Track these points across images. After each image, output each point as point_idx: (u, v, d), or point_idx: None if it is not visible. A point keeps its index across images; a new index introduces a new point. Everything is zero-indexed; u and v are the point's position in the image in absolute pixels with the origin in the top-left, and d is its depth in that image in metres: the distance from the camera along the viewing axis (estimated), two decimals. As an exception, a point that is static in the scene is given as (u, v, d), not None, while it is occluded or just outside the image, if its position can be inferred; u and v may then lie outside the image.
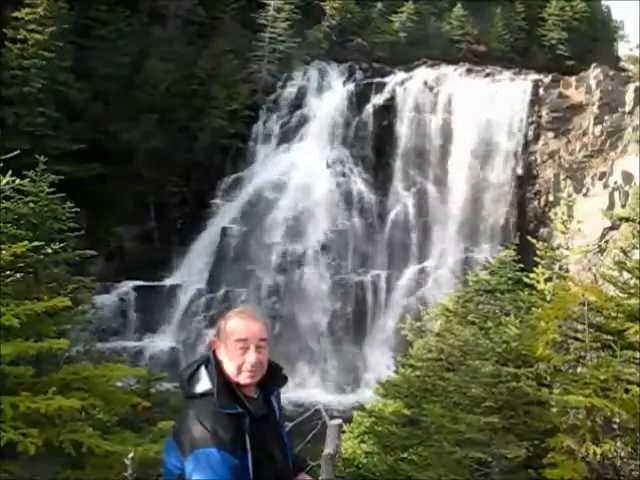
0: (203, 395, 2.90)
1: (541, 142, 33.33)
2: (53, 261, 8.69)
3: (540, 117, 33.44)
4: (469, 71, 35.81)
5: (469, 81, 34.86)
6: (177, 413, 3.04)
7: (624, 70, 37.78)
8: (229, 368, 2.95)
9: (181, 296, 30.02)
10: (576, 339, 7.25)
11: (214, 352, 3.01)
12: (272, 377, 3.07)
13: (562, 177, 32.12)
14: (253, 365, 2.92)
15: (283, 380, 3.17)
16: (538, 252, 11.50)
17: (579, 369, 7.30)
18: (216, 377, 2.93)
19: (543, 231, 29.45)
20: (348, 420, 12.53)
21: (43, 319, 7.26)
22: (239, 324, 2.97)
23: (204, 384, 2.93)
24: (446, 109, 33.73)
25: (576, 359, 7.37)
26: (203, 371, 2.98)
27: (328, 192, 32.25)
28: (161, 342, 28.44)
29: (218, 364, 2.97)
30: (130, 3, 33.73)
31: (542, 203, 32.32)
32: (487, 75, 35.36)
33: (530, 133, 33.30)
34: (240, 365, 2.93)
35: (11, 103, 28.41)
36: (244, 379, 2.94)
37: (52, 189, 9.14)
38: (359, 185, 33.24)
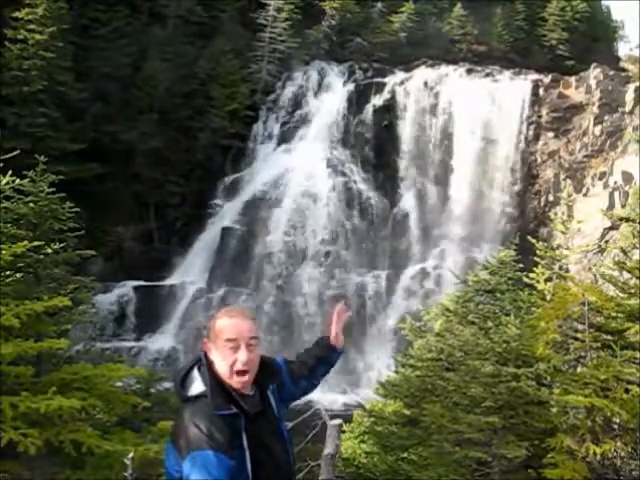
0: (197, 397, 2.89)
1: (541, 142, 33.33)
2: (53, 261, 8.69)
3: (540, 117, 33.45)
4: (469, 71, 35.82)
5: (469, 81, 34.87)
6: (175, 415, 3.03)
7: (624, 70, 37.81)
8: (221, 368, 2.93)
9: (181, 296, 30.02)
10: (576, 339, 7.25)
11: (206, 353, 3.00)
12: (266, 372, 3.06)
13: (562, 177, 32.13)
14: (244, 364, 2.90)
15: (277, 374, 3.17)
16: (538, 252, 11.48)
17: (579, 369, 7.30)
18: (209, 379, 2.92)
19: (543, 231, 29.44)
20: (348, 420, 12.53)
21: (43, 319, 7.27)
22: (228, 323, 2.96)
23: (197, 386, 2.92)
24: (446, 109, 33.74)
25: (576, 359, 7.37)
26: (196, 373, 2.96)
27: (328, 192, 32.26)
28: (161, 342, 28.44)
29: (210, 365, 2.96)
30: (130, 3, 33.75)
31: (542, 203, 32.32)
32: (487, 75, 35.37)
33: (530, 133, 33.30)
34: (232, 364, 2.91)
35: (11, 103, 28.41)
36: (235, 384, 2.92)
37: (52, 189, 9.14)
38: (359, 185, 33.24)
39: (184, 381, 2.97)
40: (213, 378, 2.92)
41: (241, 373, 2.92)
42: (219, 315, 3.03)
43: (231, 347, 2.91)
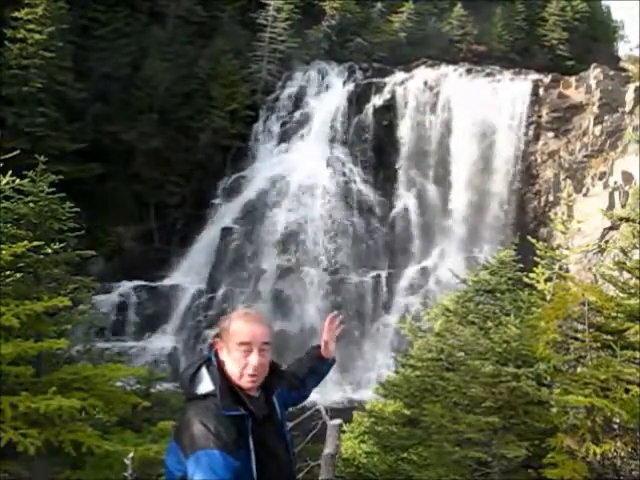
0: (205, 396, 2.89)
1: (541, 142, 33.32)
2: (53, 261, 8.68)
3: (540, 117, 33.44)
4: (469, 71, 35.80)
5: (469, 81, 34.86)
6: (179, 414, 3.02)
7: (624, 70, 37.79)
8: (231, 369, 2.94)
9: (181, 296, 30.01)
10: (576, 339, 7.25)
11: (216, 352, 3.00)
12: (274, 376, 3.08)
13: (562, 177, 32.12)
14: (255, 368, 2.92)
15: (284, 379, 3.18)
16: (538, 252, 11.49)
17: (579, 369, 7.30)
18: (219, 378, 2.91)
19: (543, 231, 29.44)
20: (348, 420, 12.53)
21: (43, 319, 7.26)
22: (243, 327, 2.95)
23: (206, 385, 2.91)
24: (446, 109, 33.73)
25: (576, 359, 7.38)
26: (204, 372, 2.96)
27: (328, 192, 32.26)
28: (161, 342, 28.43)
29: (220, 365, 2.96)
30: (130, 3, 33.74)
31: (542, 203, 32.32)
32: (487, 75, 35.36)
33: (530, 133, 33.29)
34: (242, 368, 2.92)
35: (11, 103, 28.41)
36: (245, 383, 2.93)
37: (52, 189, 9.14)
38: (359, 185, 33.25)
39: (192, 380, 2.96)
40: (223, 378, 2.92)
41: (251, 375, 2.93)
42: (234, 317, 3.01)
43: (244, 350, 2.92)
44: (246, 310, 3.13)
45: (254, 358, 2.91)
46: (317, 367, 3.59)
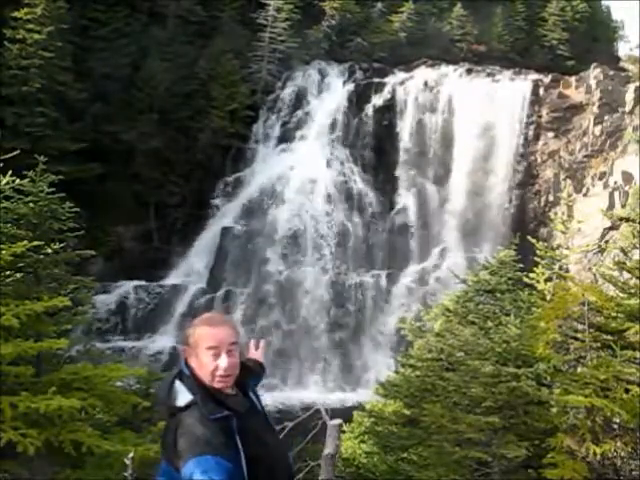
0: (187, 407, 2.91)
1: (541, 142, 33.32)
2: (53, 261, 8.69)
3: (540, 117, 33.44)
4: (469, 71, 35.81)
5: (469, 81, 34.86)
6: (163, 432, 3.03)
7: (624, 70, 37.78)
8: (203, 374, 2.97)
9: (181, 296, 29.99)
10: (576, 339, 7.26)
11: (186, 360, 3.03)
12: (246, 372, 3.13)
13: (562, 177, 32.13)
14: (226, 369, 2.95)
15: (252, 372, 3.23)
16: (538, 252, 11.51)
17: (579, 369, 7.30)
18: (196, 386, 2.95)
19: (543, 231, 29.44)
20: (348, 420, 12.52)
21: (43, 319, 7.27)
22: (208, 331, 2.99)
23: (184, 397, 2.94)
24: (446, 109, 33.73)
25: (576, 359, 7.38)
26: (179, 385, 2.98)
27: (328, 192, 32.26)
28: (161, 342, 28.42)
29: (193, 373, 2.99)
30: (130, 3, 33.73)
31: (542, 203, 32.32)
32: (487, 75, 35.36)
33: (530, 133, 33.29)
34: (213, 370, 2.96)
35: (11, 103, 28.40)
36: (218, 384, 2.97)
37: (52, 189, 9.14)
38: (359, 185, 33.25)
39: (169, 395, 2.99)
40: (200, 384, 2.96)
41: (223, 376, 2.97)
42: (198, 323, 3.05)
43: (212, 354, 2.95)
44: (210, 315, 3.16)
45: (224, 360, 2.95)
46: (259, 374, 3.56)
